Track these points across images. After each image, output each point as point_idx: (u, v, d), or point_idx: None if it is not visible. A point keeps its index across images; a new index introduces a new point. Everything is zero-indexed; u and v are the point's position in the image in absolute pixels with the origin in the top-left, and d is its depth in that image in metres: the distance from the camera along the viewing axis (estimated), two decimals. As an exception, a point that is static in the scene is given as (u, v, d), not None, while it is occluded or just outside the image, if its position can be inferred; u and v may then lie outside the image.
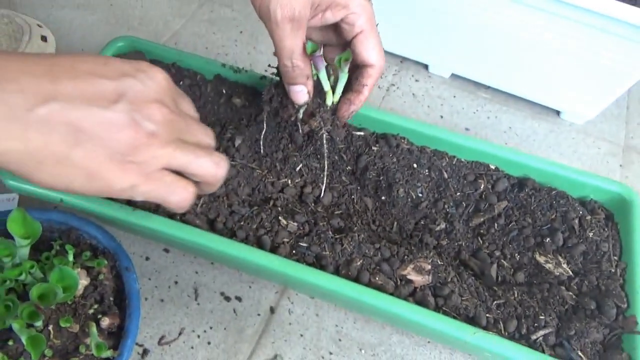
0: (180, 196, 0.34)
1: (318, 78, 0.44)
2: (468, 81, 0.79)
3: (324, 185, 0.48)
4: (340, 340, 0.53)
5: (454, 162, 0.53)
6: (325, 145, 0.47)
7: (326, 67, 0.44)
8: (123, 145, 0.31)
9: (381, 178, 0.51)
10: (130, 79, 0.32)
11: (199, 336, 0.53)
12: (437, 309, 0.43)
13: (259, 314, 0.54)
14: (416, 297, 0.43)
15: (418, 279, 0.44)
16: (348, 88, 0.44)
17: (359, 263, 0.44)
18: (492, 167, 0.53)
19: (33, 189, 0.47)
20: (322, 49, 0.43)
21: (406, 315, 0.40)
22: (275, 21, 0.38)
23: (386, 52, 0.82)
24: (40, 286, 0.41)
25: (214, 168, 0.35)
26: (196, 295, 0.55)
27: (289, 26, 0.38)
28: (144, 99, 0.32)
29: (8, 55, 0.29)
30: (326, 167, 0.48)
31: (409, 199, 0.51)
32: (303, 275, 0.42)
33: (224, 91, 0.57)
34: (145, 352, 0.51)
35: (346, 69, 0.43)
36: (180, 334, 0.53)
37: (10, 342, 0.42)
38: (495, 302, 0.44)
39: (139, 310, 0.47)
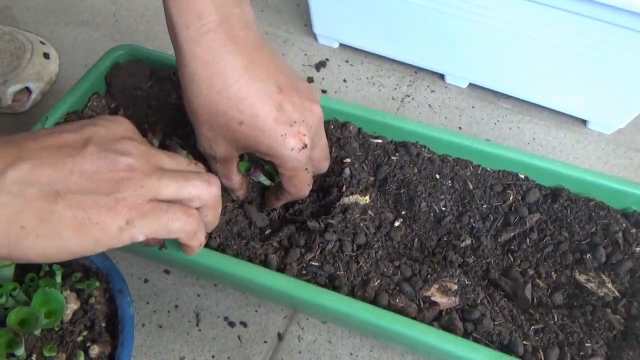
0: (183, 221, 0.32)
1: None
2: (487, 91, 0.74)
3: None
4: (356, 370, 0.48)
5: (479, 172, 0.48)
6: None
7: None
8: (104, 184, 0.29)
9: (402, 191, 0.46)
10: (93, 126, 0.32)
11: (200, 366, 0.48)
12: (466, 335, 0.38)
13: (265, 341, 0.49)
14: (442, 321, 0.38)
15: (443, 300, 0.39)
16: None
17: (376, 283, 0.39)
18: (522, 176, 0.48)
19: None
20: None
21: (431, 342, 0.35)
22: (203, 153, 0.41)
23: (399, 62, 0.78)
24: (20, 310, 0.37)
25: (206, 186, 0.33)
26: (197, 321, 0.51)
27: (213, 161, 0.41)
28: (112, 138, 0.31)
29: None
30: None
31: (432, 213, 0.46)
32: (314, 297, 0.37)
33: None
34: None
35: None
36: (179, 364, 0.48)
37: (-12, 374, 0.38)
38: (532, 327, 0.39)
39: (132, 338, 0.42)
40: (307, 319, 0.51)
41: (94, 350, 0.41)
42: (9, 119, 0.68)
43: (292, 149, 0.37)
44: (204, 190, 0.33)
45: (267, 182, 0.46)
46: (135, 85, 0.54)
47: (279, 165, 0.39)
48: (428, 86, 0.76)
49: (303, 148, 0.37)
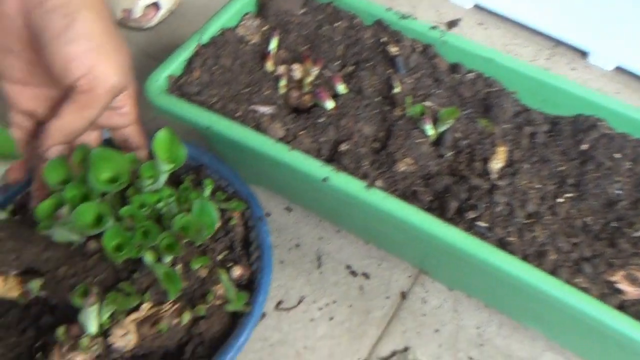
0: None
1: None
2: (638, 78, 0.68)
3: None
4: (482, 345, 0.45)
5: (663, 158, 0.43)
6: None
7: None
8: None
9: (571, 165, 0.42)
10: None
11: (320, 309, 0.46)
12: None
13: (387, 297, 0.47)
14: (628, 312, 0.34)
15: (630, 290, 0.35)
16: None
17: (553, 257, 0.35)
18: None
19: (182, 113, 0.42)
20: None
21: (627, 332, 0.32)
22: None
23: (538, 33, 0.72)
24: (184, 217, 0.35)
25: None
26: (319, 264, 0.49)
27: None
28: None
29: None
30: None
31: (603, 195, 0.42)
32: (492, 258, 0.34)
33: (382, 40, 0.50)
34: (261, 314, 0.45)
35: None
36: (300, 302, 0.47)
37: (136, 275, 0.37)
38: None
39: (271, 266, 0.41)
40: (433, 283, 0.48)
41: (236, 271, 0.40)
42: (137, 34, 0.67)
43: None
44: None
45: None
46: (288, 11, 0.51)
47: None
48: (568, 63, 0.70)
49: None
